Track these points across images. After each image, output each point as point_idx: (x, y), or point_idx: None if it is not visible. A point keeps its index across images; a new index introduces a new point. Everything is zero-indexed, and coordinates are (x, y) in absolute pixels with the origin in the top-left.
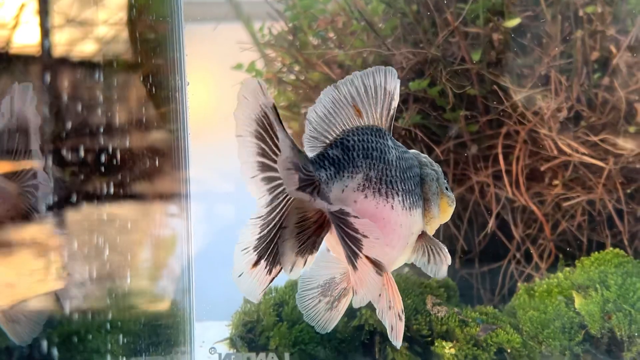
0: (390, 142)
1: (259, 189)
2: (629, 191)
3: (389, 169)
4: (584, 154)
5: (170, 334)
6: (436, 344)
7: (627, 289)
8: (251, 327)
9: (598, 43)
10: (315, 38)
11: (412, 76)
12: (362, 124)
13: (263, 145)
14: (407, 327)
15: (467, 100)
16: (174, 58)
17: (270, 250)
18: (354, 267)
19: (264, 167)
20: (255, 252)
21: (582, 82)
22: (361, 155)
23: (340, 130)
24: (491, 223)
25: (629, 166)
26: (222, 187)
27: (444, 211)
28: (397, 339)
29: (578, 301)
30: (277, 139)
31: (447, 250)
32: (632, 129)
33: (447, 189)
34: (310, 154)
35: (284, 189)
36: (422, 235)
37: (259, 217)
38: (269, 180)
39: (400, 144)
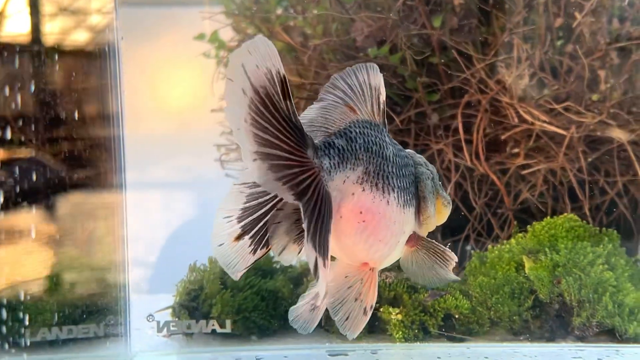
0: (387, 138)
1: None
2: (590, 159)
3: (386, 164)
4: (545, 122)
5: (105, 303)
6: (382, 309)
7: (577, 253)
8: (195, 295)
9: (562, 9)
10: (278, 6)
11: (373, 44)
12: (360, 117)
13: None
14: None
15: (429, 69)
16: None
17: (258, 229)
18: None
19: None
20: (239, 225)
21: (546, 50)
22: (363, 148)
23: (340, 123)
24: (448, 191)
25: (592, 135)
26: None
27: (439, 212)
28: (352, 330)
29: (528, 266)
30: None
31: (449, 250)
32: (595, 97)
33: (442, 189)
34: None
35: None
36: (416, 237)
37: (245, 184)
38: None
39: (396, 142)
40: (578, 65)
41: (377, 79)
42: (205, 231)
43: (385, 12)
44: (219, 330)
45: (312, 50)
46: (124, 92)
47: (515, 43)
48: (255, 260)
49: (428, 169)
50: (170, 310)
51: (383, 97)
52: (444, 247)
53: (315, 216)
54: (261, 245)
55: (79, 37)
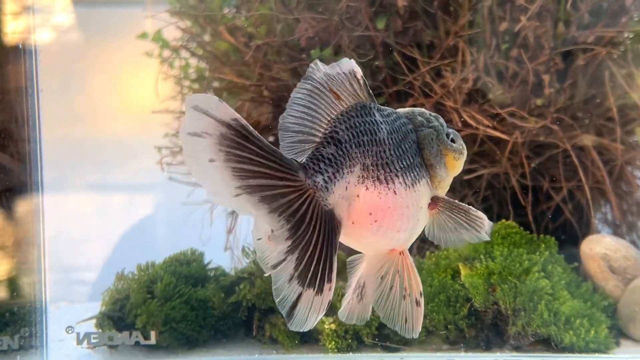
0: (378, 116)
1: (272, 222)
2: (533, 165)
3: (382, 149)
4: (488, 126)
5: (21, 314)
6: None
7: (513, 261)
8: (121, 305)
9: (508, 13)
10: (225, 6)
11: (321, 46)
12: (345, 105)
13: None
14: None
15: (373, 72)
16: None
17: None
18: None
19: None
20: None
21: (491, 54)
22: (354, 145)
23: (327, 121)
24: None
25: (535, 140)
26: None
27: (452, 167)
28: (414, 329)
29: (463, 273)
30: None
31: (474, 209)
32: (539, 102)
33: (452, 141)
34: (300, 158)
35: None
36: (435, 200)
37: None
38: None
39: (389, 111)
40: (523, 69)
41: (346, 64)
42: (135, 238)
43: (329, 13)
44: (142, 342)
45: (255, 51)
46: (40, 92)
47: (460, 47)
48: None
49: (431, 127)
50: (94, 321)
51: (360, 74)
52: (467, 206)
53: (313, 244)
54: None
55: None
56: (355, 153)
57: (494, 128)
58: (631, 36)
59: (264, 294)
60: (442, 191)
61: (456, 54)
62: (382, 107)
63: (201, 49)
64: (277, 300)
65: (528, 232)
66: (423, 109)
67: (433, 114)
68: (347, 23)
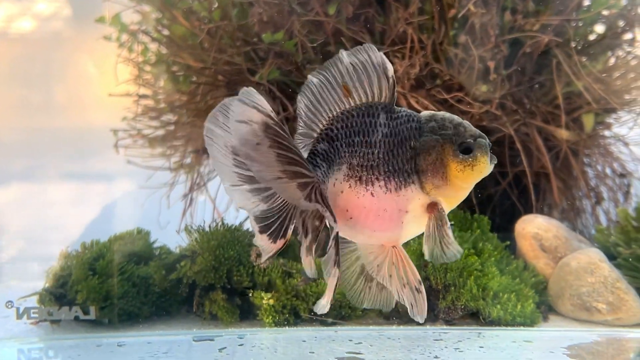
0: (381, 118)
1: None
2: None
3: (371, 152)
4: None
5: None
6: (255, 295)
7: None
8: (64, 281)
9: (456, 0)
10: None
11: (273, 31)
12: (353, 103)
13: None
14: (228, 279)
15: (326, 57)
16: None
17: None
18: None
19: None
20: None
21: (440, 41)
22: (344, 144)
23: (327, 118)
24: None
25: (479, 124)
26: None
27: (455, 177)
28: (420, 314)
29: None
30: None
31: (451, 231)
32: (484, 88)
33: (464, 151)
34: (304, 152)
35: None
36: (432, 206)
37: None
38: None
39: (402, 114)
40: (471, 56)
41: (379, 56)
42: (80, 217)
43: None
44: (82, 317)
45: (210, 35)
46: None
47: (409, 33)
48: (278, 250)
49: (439, 134)
50: (37, 297)
51: (391, 72)
52: (449, 228)
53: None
54: (280, 236)
55: None
56: (345, 152)
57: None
58: (579, 25)
59: (204, 271)
60: (445, 199)
61: (406, 40)
62: (398, 108)
63: (158, 33)
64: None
65: (462, 211)
66: (448, 115)
67: (457, 121)
68: (299, 8)
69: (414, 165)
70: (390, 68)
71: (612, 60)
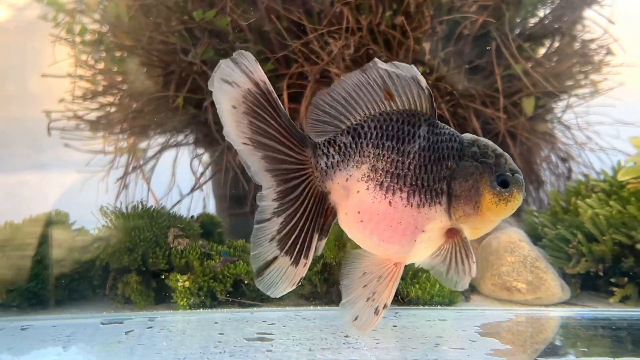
0: (422, 131)
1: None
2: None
3: (402, 161)
4: None
5: None
6: (171, 277)
7: None
8: None
9: None
10: None
11: (208, 8)
12: (394, 107)
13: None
14: (144, 261)
15: (263, 37)
16: None
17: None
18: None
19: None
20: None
21: (378, 22)
22: (371, 145)
23: (362, 114)
24: None
25: None
26: None
27: (487, 209)
28: (362, 330)
29: None
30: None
31: (474, 260)
32: (420, 69)
33: (501, 184)
34: (318, 138)
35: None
36: (453, 233)
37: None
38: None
39: (445, 132)
40: (408, 37)
41: (413, 71)
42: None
43: None
44: None
45: (145, 15)
46: None
47: (345, 13)
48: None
49: (480, 161)
50: None
51: (424, 83)
52: (471, 256)
53: (298, 215)
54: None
55: None
56: (369, 152)
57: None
58: (520, 8)
59: (118, 253)
60: (470, 229)
61: (343, 21)
62: (441, 124)
63: (94, 12)
64: (252, 254)
65: None
66: (491, 143)
67: (499, 152)
68: None
69: (446, 187)
70: (423, 80)
71: (555, 45)
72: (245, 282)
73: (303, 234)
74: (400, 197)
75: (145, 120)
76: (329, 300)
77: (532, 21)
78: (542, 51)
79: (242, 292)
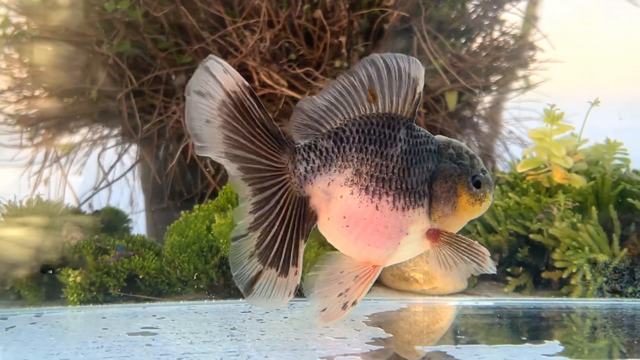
0: (401, 134)
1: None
2: None
3: (385, 164)
4: (284, 86)
5: None
6: (62, 272)
7: None
8: None
9: None
10: None
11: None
12: (375, 109)
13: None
14: (35, 256)
15: (182, 31)
16: None
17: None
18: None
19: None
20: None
21: (298, 15)
22: (354, 149)
23: (343, 118)
24: (179, 153)
25: None
26: None
27: (463, 209)
28: (323, 320)
29: (215, 223)
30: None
31: (477, 243)
32: (337, 63)
33: (476, 185)
34: (302, 141)
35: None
36: (435, 233)
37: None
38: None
39: (421, 134)
40: (326, 31)
41: (418, 72)
42: None
43: None
44: None
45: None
46: None
47: (263, 6)
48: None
49: (457, 163)
50: None
51: (420, 89)
52: (470, 240)
53: (277, 225)
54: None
55: None
56: (353, 156)
57: (291, 88)
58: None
59: (7, 248)
60: (449, 227)
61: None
62: (417, 127)
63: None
64: (234, 274)
65: None
66: (464, 144)
67: (471, 153)
68: None
69: (427, 189)
70: (420, 85)
71: (478, 40)
72: (140, 276)
73: (286, 243)
74: (387, 200)
75: (62, 113)
76: (227, 294)
77: (454, 16)
78: (461, 46)
79: (137, 287)
